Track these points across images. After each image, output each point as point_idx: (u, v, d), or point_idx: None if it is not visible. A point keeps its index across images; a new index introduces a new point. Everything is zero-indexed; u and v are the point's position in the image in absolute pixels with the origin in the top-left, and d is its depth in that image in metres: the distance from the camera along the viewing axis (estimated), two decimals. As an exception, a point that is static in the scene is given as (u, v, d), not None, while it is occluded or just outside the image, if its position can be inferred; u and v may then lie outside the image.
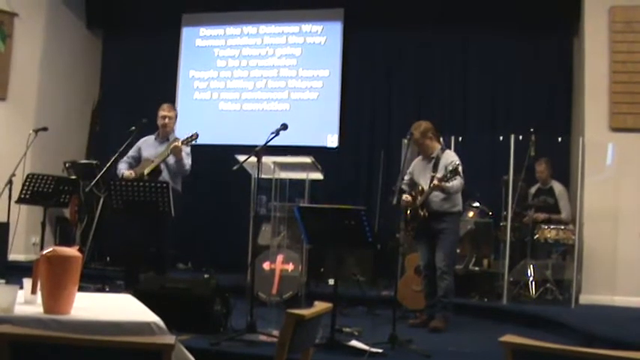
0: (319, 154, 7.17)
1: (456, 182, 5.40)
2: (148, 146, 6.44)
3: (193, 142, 6.19)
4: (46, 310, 2.51)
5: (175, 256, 7.81)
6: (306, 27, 8.94)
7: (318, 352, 3.56)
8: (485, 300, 6.80)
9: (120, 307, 2.83)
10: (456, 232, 5.79)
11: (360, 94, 8.75)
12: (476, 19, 8.14)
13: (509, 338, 1.97)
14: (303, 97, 8.85)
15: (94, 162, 7.94)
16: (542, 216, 7.06)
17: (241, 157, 5.49)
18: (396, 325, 4.77)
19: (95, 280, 5.99)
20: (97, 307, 2.74)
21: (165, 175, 6.19)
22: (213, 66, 9.22)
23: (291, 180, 7.05)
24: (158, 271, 5.89)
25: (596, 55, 7.05)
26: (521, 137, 6.79)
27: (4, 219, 7.01)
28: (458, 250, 6.62)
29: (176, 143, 6.07)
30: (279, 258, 6.66)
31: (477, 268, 7.16)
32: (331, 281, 6.62)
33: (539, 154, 6.96)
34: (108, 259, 8.09)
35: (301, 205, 6.25)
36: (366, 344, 4.52)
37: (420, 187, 5.63)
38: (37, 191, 6.72)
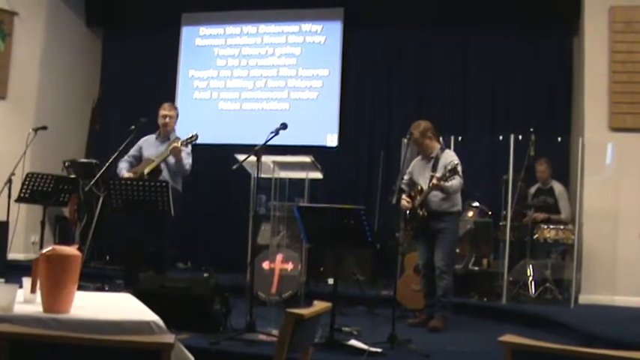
0: (319, 153, 7.16)
1: (455, 182, 5.40)
2: (149, 146, 6.44)
3: (193, 143, 6.19)
4: (46, 309, 2.51)
5: (175, 256, 7.81)
6: (306, 26, 8.94)
7: (317, 351, 3.57)
8: (485, 300, 6.80)
9: (119, 306, 2.82)
10: (455, 232, 5.79)
11: (359, 93, 8.75)
12: (476, 19, 8.14)
13: (508, 338, 1.98)
14: (303, 96, 8.85)
15: (94, 161, 7.95)
16: (541, 216, 7.07)
17: (241, 157, 5.48)
18: (395, 324, 4.77)
19: (95, 279, 5.98)
20: (97, 306, 2.74)
21: (165, 175, 6.19)
22: (213, 65, 9.22)
23: (290, 179, 7.05)
24: (158, 270, 5.89)
25: (596, 55, 7.05)
26: (520, 137, 6.80)
27: (3, 218, 7.00)
28: (457, 250, 6.62)
29: (175, 144, 6.07)
30: (279, 257, 6.66)
31: (476, 268, 7.16)
32: (331, 281, 6.63)
33: (539, 154, 6.96)
34: (107, 258, 8.09)
35: (301, 204, 6.25)
36: (366, 344, 4.52)
37: (420, 187, 5.63)
38: (37, 190, 6.71)
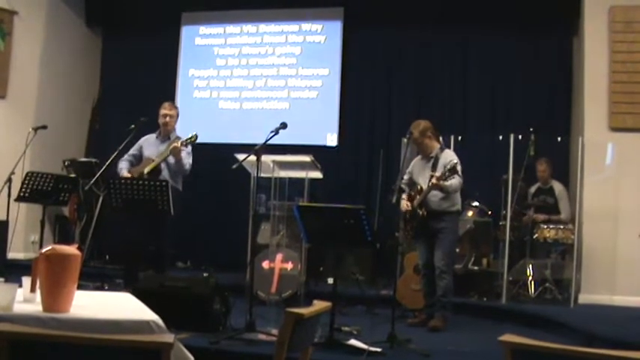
0: (319, 152, 7.16)
1: (455, 181, 5.40)
2: (149, 145, 6.45)
3: (193, 143, 6.19)
4: (45, 309, 2.51)
5: (175, 255, 7.81)
6: (306, 26, 8.94)
7: (317, 350, 3.57)
8: (485, 299, 6.80)
9: (119, 306, 2.82)
10: (454, 232, 5.79)
11: (359, 93, 8.75)
12: (476, 19, 8.14)
13: (508, 338, 1.98)
14: (303, 95, 8.85)
15: (94, 160, 7.95)
16: (541, 217, 7.06)
17: (241, 156, 5.48)
18: (395, 324, 4.77)
19: (94, 279, 5.99)
20: (96, 305, 2.74)
21: (165, 174, 6.19)
22: (213, 65, 9.22)
23: (290, 179, 7.05)
24: (157, 269, 5.90)
25: (596, 55, 7.05)
26: (520, 137, 6.80)
27: (3, 217, 7.01)
28: (457, 250, 6.63)
29: (175, 144, 6.07)
30: (279, 257, 6.66)
31: (476, 268, 7.16)
32: (330, 280, 6.64)
33: (539, 153, 6.97)
34: (107, 257, 8.09)
35: (301, 204, 6.23)
36: (365, 343, 4.52)
37: (419, 187, 5.63)
38: (37, 189, 6.71)
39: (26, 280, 2.70)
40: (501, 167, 6.88)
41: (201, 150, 7.12)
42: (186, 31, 9.37)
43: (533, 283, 6.77)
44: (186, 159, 6.22)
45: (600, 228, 6.81)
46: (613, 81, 6.95)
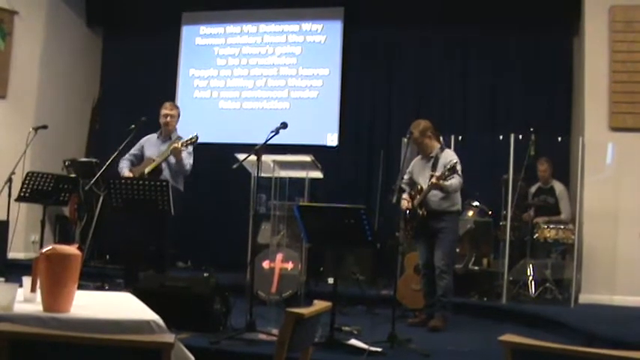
0: (319, 152, 7.16)
1: (454, 181, 5.40)
2: (150, 145, 6.45)
3: (194, 144, 6.20)
4: (46, 309, 2.51)
5: (175, 255, 7.81)
6: (306, 26, 8.94)
7: (317, 350, 3.57)
8: (485, 299, 6.80)
9: (119, 306, 2.82)
10: (455, 232, 5.78)
11: (360, 93, 8.75)
12: (476, 18, 8.13)
13: (508, 338, 1.98)
14: (303, 95, 8.85)
15: (94, 160, 7.95)
16: (542, 219, 7.06)
17: (241, 156, 5.48)
18: (395, 324, 4.77)
19: (95, 279, 5.99)
20: (97, 305, 2.74)
21: (166, 174, 6.20)
22: (213, 64, 9.22)
23: (290, 179, 7.05)
24: (158, 269, 5.90)
25: (596, 55, 7.05)
26: (521, 137, 6.80)
27: (3, 217, 7.01)
28: (457, 250, 6.62)
29: (176, 145, 6.07)
30: (279, 257, 6.66)
31: (476, 268, 7.16)
32: (331, 280, 6.63)
33: (539, 153, 6.97)
34: (107, 257, 8.09)
35: (301, 203, 6.23)
36: (366, 343, 4.52)
37: (419, 186, 5.63)
38: (37, 189, 6.71)
39: (26, 280, 2.70)
40: (501, 167, 6.88)
41: (202, 150, 7.12)
42: (186, 30, 9.37)
43: (533, 283, 6.77)
44: (187, 159, 6.22)
45: (600, 228, 6.80)
46: (613, 81, 6.95)
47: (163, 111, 6.44)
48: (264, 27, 9.09)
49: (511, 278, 6.78)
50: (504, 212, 6.92)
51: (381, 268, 7.46)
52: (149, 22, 9.35)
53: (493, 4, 8.06)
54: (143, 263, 6.12)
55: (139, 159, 6.44)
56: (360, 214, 4.68)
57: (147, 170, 6.19)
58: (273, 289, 6.50)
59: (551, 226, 6.88)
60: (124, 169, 6.33)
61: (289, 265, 6.62)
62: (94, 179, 6.07)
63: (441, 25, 8.32)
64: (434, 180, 5.35)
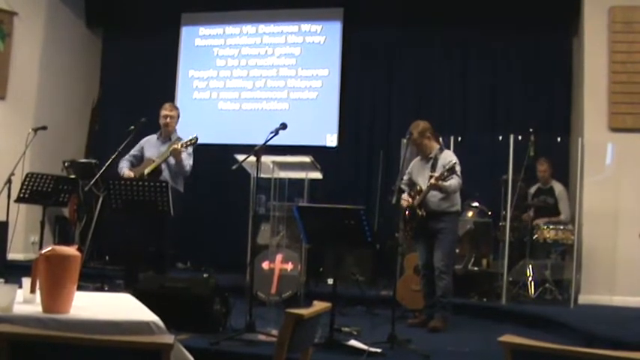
0: (318, 153, 7.16)
1: (454, 181, 5.40)
2: (150, 146, 6.45)
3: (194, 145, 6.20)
4: (45, 310, 2.51)
5: (175, 256, 7.81)
6: (306, 26, 8.94)
7: (317, 351, 3.56)
8: (485, 300, 6.80)
9: (119, 307, 2.82)
10: (454, 232, 5.78)
11: (359, 93, 8.75)
12: (476, 19, 8.13)
13: (508, 338, 1.97)
14: (303, 96, 8.85)
15: (94, 161, 7.95)
16: (541, 220, 7.05)
17: (240, 157, 5.48)
18: (395, 324, 4.77)
19: (94, 280, 5.98)
20: (96, 306, 2.74)
21: (166, 175, 6.20)
22: (213, 65, 9.21)
23: (290, 179, 7.04)
24: (157, 270, 5.89)
25: (596, 55, 7.05)
26: (520, 137, 6.80)
27: (3, 218, 7.00)
28: (457, 250, 6.62)
29: (175, 146, 6.07)
30: (279, 257, 6.66)
31: (476, 268, 7.16)
32: (330, 281, 6.63)
33: (539, 154, 6.97)
34: (107, 258, 8.07)
35: (300, 204, 6.25)
36: (365, 344, 4.52)
37: (419, 187, 5.63)
38: (37, 190, 6.71)
39: (26, 281, 2.70)
40: (501, 167, 6.88)
41: (201, 151, 7.12)
42: (185, 31, 9.37)
43: (533, 283, 6.77)
44: (187, 160, 6.23)
45: (600, 228, 6.81)
46: (613, 81, 6.95)
47: (163, 112, 6.45)
48: (263, 28, 9.09)
49: (511, 279, 6.78)
50: (504, 213, 6.92)
51: (380, 268, 7.46)
52: (149, 22, 9.34)
53: (493, 5, 8.05)
54: (143, 264, 6.13)
55: (139, 160, 6.44)
56: (360, 214, 4.68)
57: (146, 171, 6.19)
58: (273, 289, 6.50)
59: (551, 227, 6.88)
60: (124, 168, 6.33)
61: (289, 266, 6.62)
62: (93, 180, 6.08)
63: (441, 25, 8.32)
64: (433, 180, 5.35)
